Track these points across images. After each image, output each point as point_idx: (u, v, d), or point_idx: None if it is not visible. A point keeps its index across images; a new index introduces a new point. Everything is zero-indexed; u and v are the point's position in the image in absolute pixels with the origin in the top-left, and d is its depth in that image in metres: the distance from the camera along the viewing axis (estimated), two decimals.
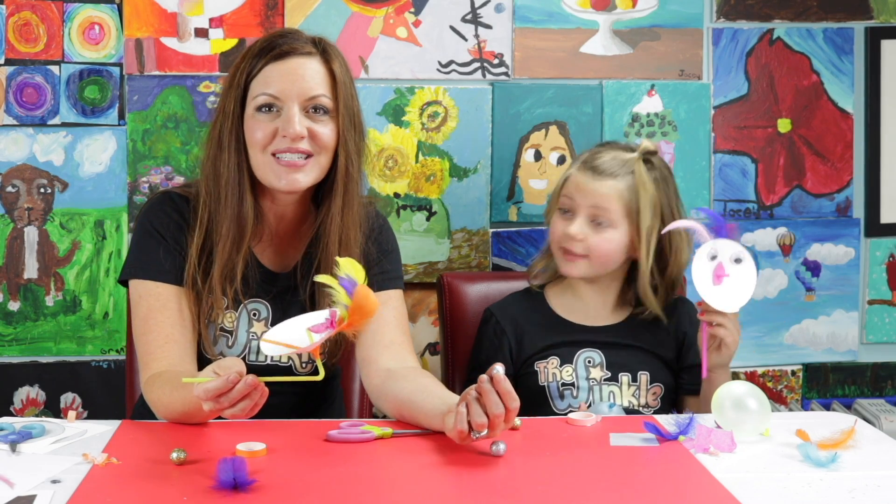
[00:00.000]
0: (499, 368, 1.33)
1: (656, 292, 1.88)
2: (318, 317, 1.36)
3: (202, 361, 1.67)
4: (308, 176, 1.61)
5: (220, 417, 1.50)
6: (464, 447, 1.39)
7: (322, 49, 1.64)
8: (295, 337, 1.35)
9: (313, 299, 1.68)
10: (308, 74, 1.60)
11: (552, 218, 1.91)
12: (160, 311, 1.62)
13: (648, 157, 1.87)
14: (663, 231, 1.78)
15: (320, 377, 1.35)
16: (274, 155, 1.60)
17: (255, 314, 1.69)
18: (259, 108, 1.60)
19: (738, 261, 1.62)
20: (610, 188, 1.83)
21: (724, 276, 1.61)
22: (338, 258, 1.33)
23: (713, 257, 1.63)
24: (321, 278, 1.31)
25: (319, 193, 1.69)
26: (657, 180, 1.86)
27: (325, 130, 1.61)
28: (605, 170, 1.84)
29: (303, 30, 1.69)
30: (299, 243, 1.72)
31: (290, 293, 1.70)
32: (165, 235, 1.65)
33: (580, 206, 1.84)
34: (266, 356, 1.68)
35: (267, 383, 1.34)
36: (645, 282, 1.85)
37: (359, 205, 1.68)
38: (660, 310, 1.87)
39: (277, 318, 1.68)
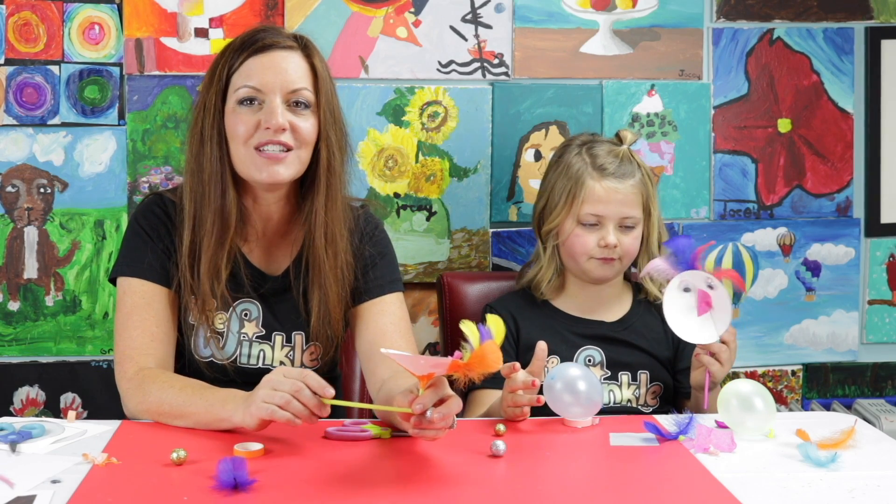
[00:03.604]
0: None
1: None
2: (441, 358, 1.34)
3: (191, 363, 1.67)
4: (289, 169, 1.61)
5: None
6: (463, 448, 1.39)
7: (303, 44, 1.64)
8: (411, 362, 1.34)
9: (306, 299, 1.68)
10: (290, 68, 1.61)
11: (569, 230, 1.86)
12: (145, 308, 1.63)
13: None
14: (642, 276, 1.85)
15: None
16: (255, 148, 1.59)
17: (245, 314, 1.69)
18: (241, 101, 1.60)
19: (710, 287, 1.61)
20: (633, 189, 1.85)
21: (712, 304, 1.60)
22: (487, 315, 1.32)
23: (686, 289, 1.62)
24: (464, 325, 1.28)
25: (303, 193, 1.69)
26: None
27: (306, 125, 1.61)
28: (623, 172, 1.85)
29: (283, 28, 1.68)
30: (289, 246, 1.72)
31: (282, 294, 1.70)
32: (153, 236, 1.65)
33: (609, 215, 1.83)
34: (257, 359, 1.69)
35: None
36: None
37: (343, 201, 1.68)
38: (658, 291, 1.88)
39: (268, 318, 1.69)
